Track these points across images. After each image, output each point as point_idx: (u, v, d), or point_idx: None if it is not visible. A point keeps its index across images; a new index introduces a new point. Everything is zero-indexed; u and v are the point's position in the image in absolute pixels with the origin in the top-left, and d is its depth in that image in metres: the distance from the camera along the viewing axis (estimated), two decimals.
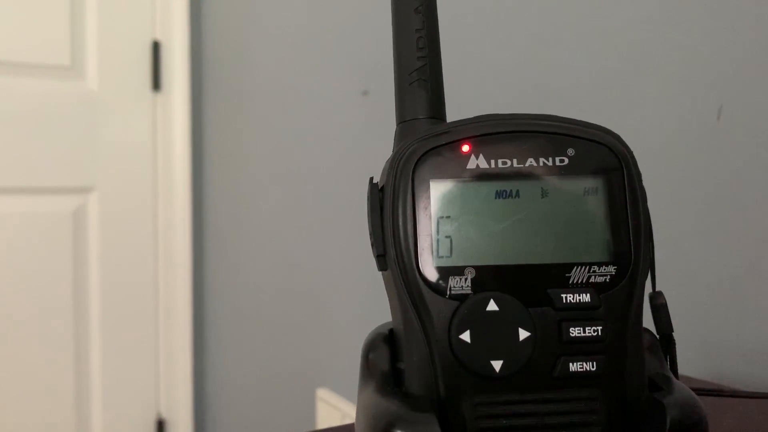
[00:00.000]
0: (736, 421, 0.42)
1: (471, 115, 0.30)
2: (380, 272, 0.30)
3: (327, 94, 1.12)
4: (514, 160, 0.28)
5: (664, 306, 0.32)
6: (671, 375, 0.30)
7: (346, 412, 1.05)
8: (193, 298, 1.56)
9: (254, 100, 1.36)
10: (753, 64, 0.54)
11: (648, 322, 0.31)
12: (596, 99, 0.67)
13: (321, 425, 1.12)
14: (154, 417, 1.57)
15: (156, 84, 1.54)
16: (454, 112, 0.32)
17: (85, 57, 1.48)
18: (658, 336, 0.32)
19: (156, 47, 1.53)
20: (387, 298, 0.30)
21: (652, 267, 0.30)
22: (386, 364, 0.30)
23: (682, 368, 0.50)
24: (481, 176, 0.28)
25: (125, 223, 1.53)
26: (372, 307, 1.00)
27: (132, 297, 1.54)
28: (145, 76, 1.53)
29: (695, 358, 0.57)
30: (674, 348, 0.32)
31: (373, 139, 0.99)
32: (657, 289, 0.32)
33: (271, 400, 1.32)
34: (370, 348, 0.31)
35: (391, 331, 0.31)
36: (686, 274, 0.58)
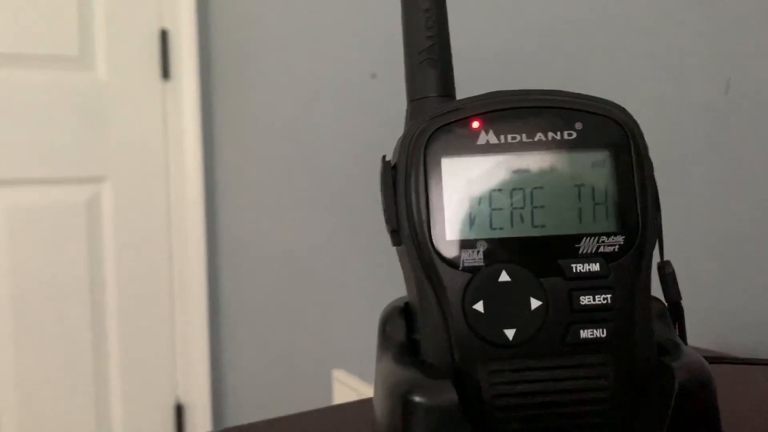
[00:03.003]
0: (748, 389, 0.42)
1: (480, 92, 0.30)
2: (394, 248, 0.31)
3: (336, 77, 1.12)
4: (524, 135, 0.29)
5: (672, 274, 0.32)
6: (680, 341, 0.31)
7: (363, 392, 1.06)
8: (207, 282, 1.58)
9: (263, 86, 1.37)
10: (761, 37, 0.54)
11: (657, 291, 0.32)
12: (605, 72, 0.67)
13: None
14: (173, 402, 1.60)
15: (165, 73, 1.54)
16: (463, 89, 0.33)
17: (94, 47, 1.49)
18: (666, 304, 0.33)
19: (164, 36, 1.54)
20: (401, 279, 0.31)
21: (659, 236, 0.31)
22: (402, 335, 0.31)
23: (693, 340, 0.51)
24: (491, 151, 0.29)
25: (138, 211, 1.55)
26: (387, 288, 1.00)
27: (147, 283, 1.56)
28: (154, 65, 1.54)
29: (705, 330, 0.58)
30: (683, 315, 0.32)
31: (382, 122, 1.00)
32: (665, 258, 0.33)
33: (287, 383, 1.33)
34: (386, 320, 0.32)
35: (407, 304, 0.32)
36: (696, 245, 0.59)
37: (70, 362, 1.48)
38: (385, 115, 0.99)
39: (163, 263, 1.57)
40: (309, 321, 1.25)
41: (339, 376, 1.13)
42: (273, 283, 1.37)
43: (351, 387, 1.09)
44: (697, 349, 0.51)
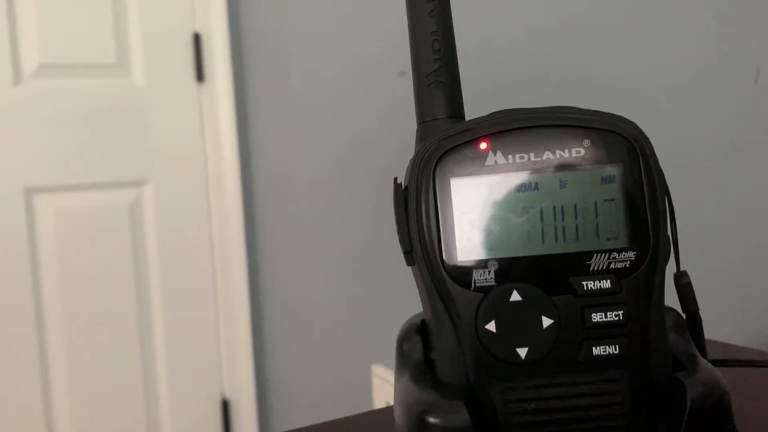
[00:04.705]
0: None
1: (490, 111, 0.31)
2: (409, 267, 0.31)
3: (366, 76, 1.13)
4: (531, 154, 0.29)
5: (689, 285, 0.32)
6: (697, 353, 0.30)
7: None
8: (248, 280, 1.60)
9: (296, 86, 1.38)
10: None
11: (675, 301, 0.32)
12: (634, 63, 0.66)
13: (377, 400, 1.15)
14: (219, 398, 1.63)
15: (200, 76, 1.57)
16: (473, 109, 0.33)
17: (130, 54, 1.52)
18: (684, 315, 0.32)
19: (197, 39, 1.56)
20: None
21: (675, 247, 0.31)
22: (419, 353, 0.32)
23: (728, 337, 0.50)
24: (500, 171, 0.29)
25: (179, 212, 1.58)
26: None
27: (190, 282, 1.59)
28: (188, 68, 1.56)
29: (742, 325, 0.57)
30: (701, 326, 0.32)
31: (411, 119, 1.00)
32: (682, 268, 0.33)
33: (328, 378, 1.35)
34: (404, 338, 0.33)
35: (424, 321, 0.33)
36: (729, 236, 0.58)
37: (119, 359, 1.53)
38: (413, 112, 0.99)
39: (204, 262, 1.61)
40: (348, 317, 1.26)
41: (378, 371, 1.14)
42: (312, 280, 1.39)
43: (389, 382, 1.10)
44: (737, 349, 0.50)
